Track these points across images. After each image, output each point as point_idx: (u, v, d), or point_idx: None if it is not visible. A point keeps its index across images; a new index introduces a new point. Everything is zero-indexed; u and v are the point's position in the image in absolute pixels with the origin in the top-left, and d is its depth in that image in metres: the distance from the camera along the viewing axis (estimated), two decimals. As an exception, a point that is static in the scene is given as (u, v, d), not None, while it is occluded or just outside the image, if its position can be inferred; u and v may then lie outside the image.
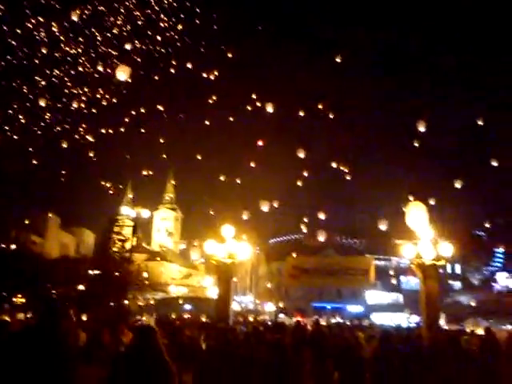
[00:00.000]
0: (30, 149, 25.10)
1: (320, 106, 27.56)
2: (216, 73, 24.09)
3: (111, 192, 31.12)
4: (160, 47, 24.26)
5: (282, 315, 42.69)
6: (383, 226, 24.53)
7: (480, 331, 14.78)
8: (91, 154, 28.95)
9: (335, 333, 13.59)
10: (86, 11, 20.77)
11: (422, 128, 22.26)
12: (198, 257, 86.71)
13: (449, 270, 66.60)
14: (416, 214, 12.94)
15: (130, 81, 19.06)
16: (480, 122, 25.40)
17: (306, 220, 32.12)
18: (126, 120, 27.24)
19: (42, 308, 4.64)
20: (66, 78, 22.61)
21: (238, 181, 30.76)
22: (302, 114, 27.96)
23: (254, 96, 24.56)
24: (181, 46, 24.86)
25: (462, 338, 10.75)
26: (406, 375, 5.59)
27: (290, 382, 5.53)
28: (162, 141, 29.72)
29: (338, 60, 24.71)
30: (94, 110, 24.50)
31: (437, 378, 5.59)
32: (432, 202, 23.79)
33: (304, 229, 28.29)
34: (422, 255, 13.29)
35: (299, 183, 30.67)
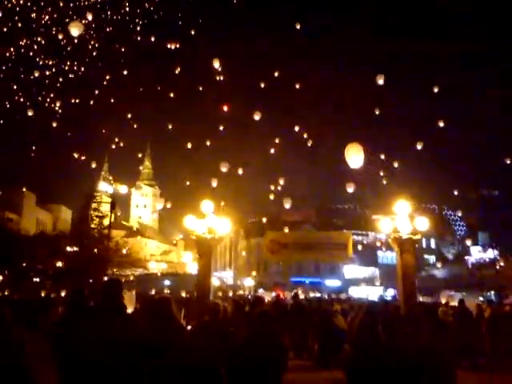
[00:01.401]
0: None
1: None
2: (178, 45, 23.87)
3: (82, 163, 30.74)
4: (125, 17, 24.23)
5: (261, 290, 43.25)
6: (350, 189, 24.64)
7: (454, 303, 15.22)
8: (66, 130, 28.63)
9: (314, 306, 13.82)
10: None
11: (380, 81, 22.03)
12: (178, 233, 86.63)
13: (424, 244, 67.99)
14: (353, 154, 12.97)
15: (81, 36, 19.15)
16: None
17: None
18: (96, 92, 26.95)
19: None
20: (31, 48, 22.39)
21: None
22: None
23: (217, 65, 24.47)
24: (144, 17, 24.88)
25: (439, 310, 11.08)
26: (390, 346, 5.69)
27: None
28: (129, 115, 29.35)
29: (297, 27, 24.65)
30: (61, 80, 24.23)
31: (416, 346, 5.71)
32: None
33: (286, 204, 28.21)
34: (399, 229, 13.48)
35: (272, 151, 30.55)
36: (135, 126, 31.47)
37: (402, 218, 13.81)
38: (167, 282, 52.08)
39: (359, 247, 50.53)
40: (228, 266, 75.43)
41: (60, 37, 21.86)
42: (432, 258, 72.15)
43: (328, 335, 7.73)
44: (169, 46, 24.34)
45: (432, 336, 5.96)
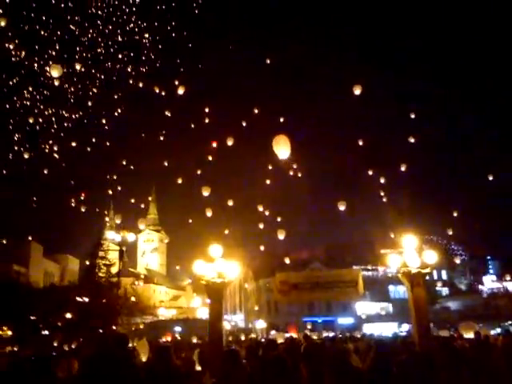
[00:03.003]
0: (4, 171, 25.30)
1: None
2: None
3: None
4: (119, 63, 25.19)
5: (273, 332, 42.55)
6: (342, 207, 24.67)
7: (470, 335, 15.00)
8: (69, 179, 29.15)
9: (328, 346, 13.65)
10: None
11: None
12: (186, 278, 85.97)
13: (435, 276, 67.23)
14: (280, 145, 12.92)
15: (61, 78, 20.01)
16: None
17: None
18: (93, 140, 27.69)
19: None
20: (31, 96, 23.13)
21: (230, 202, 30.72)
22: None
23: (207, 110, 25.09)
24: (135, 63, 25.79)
25: (455, 343, 10.95)
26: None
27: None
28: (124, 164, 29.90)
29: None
30: (59, 126, 24.89)
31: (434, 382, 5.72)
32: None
33: (280, 236, 28.15)
34: (408, 264, 13.48)
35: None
36: (138, 172, 32.00)
37: (410, 252, 13.84)
38: (178, 328, 51.37)
39: (370, 283, 50.01)
40: (238, 309, 74.47)
41: (56, 83, 22.59)
42: (444, 290, 71.12)
43: (343, 375, 7.62)
44: (157, 90, 25.20)
45: (449, 372, 5.94)
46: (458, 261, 63.81)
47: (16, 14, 21.69)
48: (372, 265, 64.14)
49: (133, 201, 26.42)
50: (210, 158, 26.90)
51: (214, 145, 25.11)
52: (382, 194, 28.38)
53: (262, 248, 38.92)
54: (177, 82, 23.21)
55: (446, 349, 7.89)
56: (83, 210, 28.81)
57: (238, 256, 16.98)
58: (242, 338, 29.10)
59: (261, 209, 30.70)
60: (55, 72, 17.75)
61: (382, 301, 61.84)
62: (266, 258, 60.97)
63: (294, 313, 53.87)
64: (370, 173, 27.12)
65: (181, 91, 22.40)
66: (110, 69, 25.90)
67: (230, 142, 23.50)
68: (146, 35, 25.84)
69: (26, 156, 23.86)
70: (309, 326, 46.52)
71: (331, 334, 32.58)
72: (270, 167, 28.17)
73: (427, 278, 14.43)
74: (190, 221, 35.88)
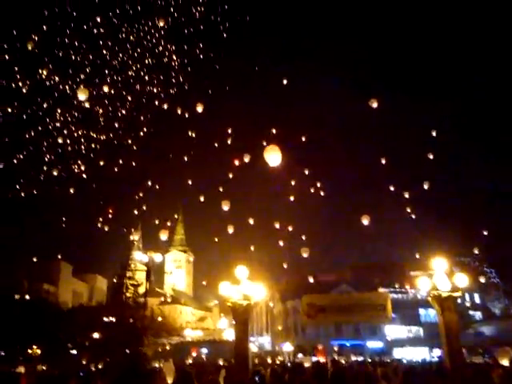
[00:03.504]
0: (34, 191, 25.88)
1: None
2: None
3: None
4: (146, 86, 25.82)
5: (300, 355, 41.92)
6: (366, 221, 24.19)
7: (506, 362, 14.44)
8: (97, 200, 29.71)
9: (356, 370, 13.35)
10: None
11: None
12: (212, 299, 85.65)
13: (468, 300, 65.32)
14: (271, 153, 13.08)
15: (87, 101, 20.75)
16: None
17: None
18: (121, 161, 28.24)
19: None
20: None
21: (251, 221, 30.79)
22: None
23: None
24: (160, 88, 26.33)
25: (493, 372, 10.54)
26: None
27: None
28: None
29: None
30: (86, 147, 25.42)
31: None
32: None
33: (304, 254, 28.01)
34: (438, 287, 13.16)
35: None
36: (165, 192, 32.40)
37: (439, 275, 13.51)
38: (204, 350, 51.10)
39: (399, 305, 48.94)
40: (265, 331, 73.66)
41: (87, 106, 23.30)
42: (478, 314, 68.90)
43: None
44: (180, 111, 25.66)
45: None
46: (482, 280, 61.72)
47: (51, 39, 22.56)
48: (401, 287, 62.82)
49: (157, 222, 26.75)
50: (231, 176, 27.09)
51: (236, 163, 25.26)
52: (409, 211, 28.07)
53: (285, 266, 38.78)
54: (202, 104, 23.59)
55: (481, 377, 7.59)
56: (106, 229, 29.19)
57: (264, 277, 16.89)
58: (269, 360, 28.75)
59: (287, 228, 30.73)
60: (82, 95, 18.67)
61: (412, 324, 60.29)
62: (293, 279, 60.44)
63: (321, 335, 52.96)
64: (392, 188, 27.00)
65: (200, 110, 22.87)
66: (140, 91, 26.51)
67: (246, 159, 23.75)
68: (175, 57, 26.43)
69: (55, 173, 24.48)
70: (336, 349, 45.68)
71: (360, 358, 31.90)
72: (293, 183, 28.39)
73: (459, 301, 14.05)
74: (216, 239, 36.03)
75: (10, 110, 21.97)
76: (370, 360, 25.07)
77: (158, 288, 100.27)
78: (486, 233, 31.62)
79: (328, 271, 66.04)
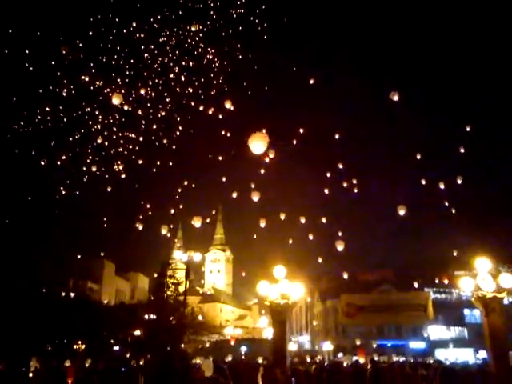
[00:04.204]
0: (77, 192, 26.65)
1: None
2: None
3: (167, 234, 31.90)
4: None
5: (340, 354, 41.50)
6: (402, 212, 24.21)
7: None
8: (139, 200, 30.35)
9: (397, 371, 13.11)
10: None
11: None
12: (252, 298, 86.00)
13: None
14: (256, 141, 12.76)
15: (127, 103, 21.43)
16: None
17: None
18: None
19: None
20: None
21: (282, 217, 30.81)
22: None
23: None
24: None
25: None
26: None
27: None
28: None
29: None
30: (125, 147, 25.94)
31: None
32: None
33: (339, 247, 27.89)
34: (482, 287, 12.76)
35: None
36: (204, 191, 32.76)
37: (483, 276, 13.10)
38: (244, 348, 51.37)
39: (443, 306, 47.77)
40: (304, 330, 73.38)
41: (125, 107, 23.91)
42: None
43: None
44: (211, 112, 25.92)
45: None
46: None
47: (94, 45, 23.29)
48: (445, 287, 61.18)
49: (196, 224, 27.08)
50: (263, 171, 27.07)
51: (267, 159, 25.18)
52: (452, 209, 27.59)
53: (319, 260, 38.61)
54: (235, 103, 23.78)
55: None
56: (144, 227, 29.71)
57: (303, 277, 16.82)
58: (308, 359, 28.61)
59: (322, 221, 30.67)
60: (116, 100, 19.50)
61: (457, 325, 58.67)
62: (333, 278, 59.91)
63: (362, 335, 52.27)
64: (424, 182, 26.70)
65: (231, 107, 23.11)
66: (179, 93, 26.91)
67: (271, 155, 23.75)
68: (215, 59, 26.71)
69: (97, 173, 25.18)
70: (376, 349, 45.02)
71: (401, 359, 31.28)
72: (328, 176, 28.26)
73: (506, 302, 13.59)
74: (254, 236, 36.23)
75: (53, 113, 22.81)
76: (411, 360, 24.55)
77: (197, 287, 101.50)
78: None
79: (369, 271, 65.16)
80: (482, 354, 40.11)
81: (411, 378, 10.05)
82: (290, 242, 32.48)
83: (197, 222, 26.92)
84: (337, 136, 27.66)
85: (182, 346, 32.70)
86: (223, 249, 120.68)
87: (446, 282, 56.03)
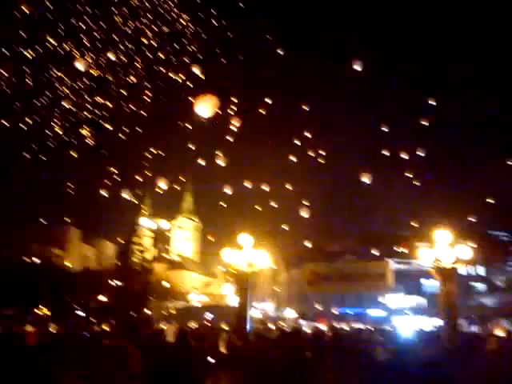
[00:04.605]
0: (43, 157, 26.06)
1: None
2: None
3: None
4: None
5: (302, 321, 42.60)
6: (366, 179, 24.72)
7: (500, 333, 14.61)
8: (107, 165, 29.84)
9: (355, 337, 13.59)
10: None
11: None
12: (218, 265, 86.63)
13: (470, 271, 65.53)
14: (203, 104, 13.01)
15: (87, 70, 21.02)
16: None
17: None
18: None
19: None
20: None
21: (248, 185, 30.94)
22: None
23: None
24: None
25: (483, 340, 10.69)
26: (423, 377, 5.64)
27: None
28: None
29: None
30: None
31: (454, 379, 5.64)
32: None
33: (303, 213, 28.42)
34: (440, 259, 13.25)
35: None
36: (173, 159, 32.38)
37: (442, 247, 13.57)
38: (209, 314, 51.98)
39: (403, 276, 49.28)
40: (269, 298, 74.78)
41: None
42: (481, 286, 69.20)
43: (365, 367, 7.65)
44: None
45: (472, 370, 5.85)
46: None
47: (62, 7, 22.42)
48: (406, 258, 63.10)
49: (162, 185, 26.69)
50: (232, 139, 26.98)
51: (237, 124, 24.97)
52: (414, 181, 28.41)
53: (285, 227, 39.19)
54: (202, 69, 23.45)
55: (472, 346, 7.75)
56: (106, 194, 29.31)
57: (269, 246, 17.08)
58: (271, 326, 29.23)
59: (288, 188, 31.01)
60: (80, 64, 19.10)
61: (415, 294, 60.83)
62: (299, 248, 60.94)
63: (324, 303, 53.65)
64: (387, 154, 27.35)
65: (199, 73, 22.84)
66: (150, 59, 26.31)
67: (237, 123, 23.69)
68: (188, 25, 26.13)
69: (59, 132, 24.56)
70: (337, 316, 46.34)
71: (361, 326, 32.31)
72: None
73: (463, 273, 14.19)
74: (222, 204, 36.38)
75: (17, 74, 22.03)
76: (369, 328, 25.42)
77: (165, 254, 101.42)
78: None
79: (334, 241, 66.39)
80: (437, 321, 41.93)
81: (368, 343, 10.46)
82: (258, 209, 32.74)
83: (162, 184, 26.69)
84: (304, 106, 27.83)
85: (148, 311, 32.95)
86: (191, 217, 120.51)
87: (406, 251, 57.75)
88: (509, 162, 28.00)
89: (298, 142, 29.24)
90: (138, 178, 31.84)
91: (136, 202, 33.78)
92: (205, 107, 12.81)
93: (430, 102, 25.68)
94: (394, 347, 6.72)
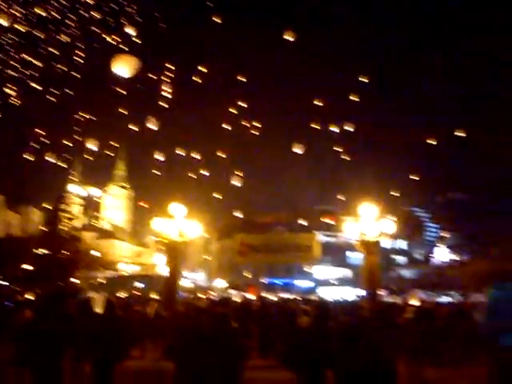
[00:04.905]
0: None
1: None
2: None
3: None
4: None
5: (232, 291, 43.41)
6: (298, 150, 26.05)
7: (416, 302, 15.73)
8: (35, 129, 28.53)
9: (281, 307, 14.09)
10: None
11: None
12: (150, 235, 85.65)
13: (393, 245, 69.18)
14: (122, 64, 13.43)
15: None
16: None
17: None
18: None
19: None
20: None
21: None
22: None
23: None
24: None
25: (403, 309, 11.47)
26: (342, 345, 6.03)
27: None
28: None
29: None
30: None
31: (369, 344, 6.04)
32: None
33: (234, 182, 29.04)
34: (364, 232, 13.86)
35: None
36: (106, 125, 31.43)
37: (367, 221, 14.19)
38: (139, 284, 51.60)
39: (330, 248, 51.13)
40: (200, 268, 75.26)
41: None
42: (402, 259, 73.34)
43: (290, 334, 8.02)
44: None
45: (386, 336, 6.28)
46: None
47: None
48: (333, 230, 65.39)
49: (92, 147, 25.87)
50: (167, 106, 26.68)
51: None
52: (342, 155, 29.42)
53: (217, 196, 39.50)
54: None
55: (387, 313, 8.32)
56: (32, 158, 28.09)
57: (202, 216, 17.11)
58: (201, 295, 29.60)
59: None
60: (3, 20, 18.70)
61: (341, 266, 63.50)
62: (231, 218, 61.48)
63: (254, 274, 54.85)
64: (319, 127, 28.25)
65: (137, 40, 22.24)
66: (84, 18, 25.13)
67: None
68: None
69: None
70: (266, 286, 47.63)
71: (289, 296, 33.45)
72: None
73: (386, 246, 15.00)
74: (155, 172, 35.93)
75: None
76: (296, 298, 26.43)
77: (95, 222, 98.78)
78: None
79: (265, 213, 67.48)
80: (361, 292, 44.22)
81: (294, 311, 10.92)
82: (192, 177, 32.63)
83: (92, 146, 25.90)
84: (239, 77, 27.97)
85: (75, 281, 32.21)
86: (123, 185, 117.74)
87: (334, 224, 59.88)
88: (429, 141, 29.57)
89: (233, 111, 29.37)
90: (65, 142, 30.60)
91: (64, 167, 32.52)
92: (123, 67, 12.41)
93: (360, 78, 26.44)
94: (317, 315, 7.06)
